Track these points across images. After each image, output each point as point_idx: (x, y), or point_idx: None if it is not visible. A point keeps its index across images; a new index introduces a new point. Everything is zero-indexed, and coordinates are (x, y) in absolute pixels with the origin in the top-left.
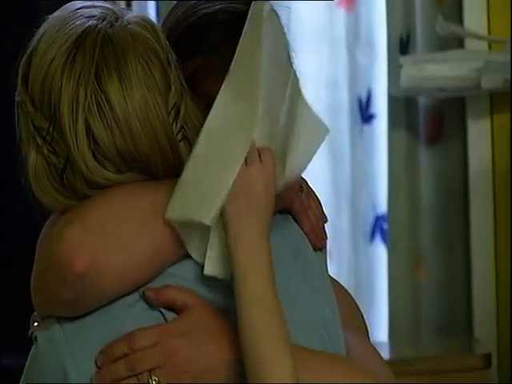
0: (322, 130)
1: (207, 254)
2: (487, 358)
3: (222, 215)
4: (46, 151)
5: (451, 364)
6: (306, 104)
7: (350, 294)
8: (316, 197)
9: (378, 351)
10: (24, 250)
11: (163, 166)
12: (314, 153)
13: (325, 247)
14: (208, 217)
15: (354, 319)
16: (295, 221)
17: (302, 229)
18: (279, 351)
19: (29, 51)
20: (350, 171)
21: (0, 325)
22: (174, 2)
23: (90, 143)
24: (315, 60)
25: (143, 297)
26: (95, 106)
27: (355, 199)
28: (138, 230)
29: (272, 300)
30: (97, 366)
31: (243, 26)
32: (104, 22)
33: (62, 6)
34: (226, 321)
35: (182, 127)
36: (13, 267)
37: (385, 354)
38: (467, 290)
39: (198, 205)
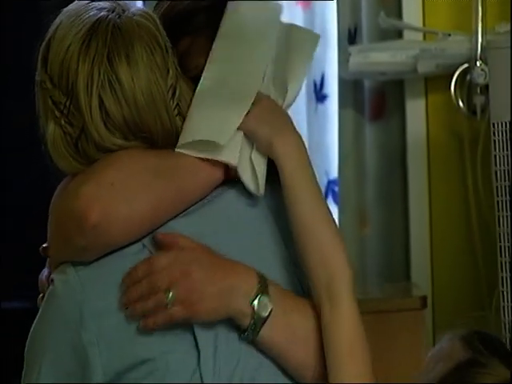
0: (312, 38)
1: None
2: (423, 299)
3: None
4: (63, 122)
5: (392, 305)
6: (292, 25)
7: None
8: None
9: None
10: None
11: (162, 136)
12: (311, 59)
13: None
14: (223, 138)
15: None
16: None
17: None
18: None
19: (47, 38)
20: (306, 143)
21: None
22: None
23: (102, 115)
24: None
25: (147, 246)
26: (107, 84)
27: (313, 164)
28: (142, 187)
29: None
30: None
31: (223, 10)
32: (113, 14)
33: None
34: (225, 259)
35: (177, 104)
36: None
37: None
38: (405, 243)
39: (212, 128)
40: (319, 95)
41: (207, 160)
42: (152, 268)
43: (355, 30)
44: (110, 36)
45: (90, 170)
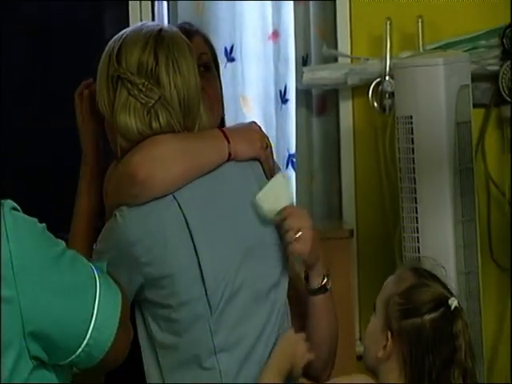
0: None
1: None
2: (351, 231)
3: None
4: (141, 95)
5: (329, 234)
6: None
7: None
8: (271, 148)
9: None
10: None
11: (193, 120)
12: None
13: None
14: None
15: None
16: (260, 164)
17: (263, 168)
18: None
19: (117, 46)
20: (275, 130)
21: None
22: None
23: (173, 92)
24: (260, 72)
25: (176, 198)
26: (178, 72)
27: (278, 145)
28: (174, 160)
29: None
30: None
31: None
32: (165, 29)
33: None
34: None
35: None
36: None
37: None
38: (339, 194)
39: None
40: (283, 99)
41: (218, 145)
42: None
43: (307, 56)
44: (172, 40)
45: (138, 147)
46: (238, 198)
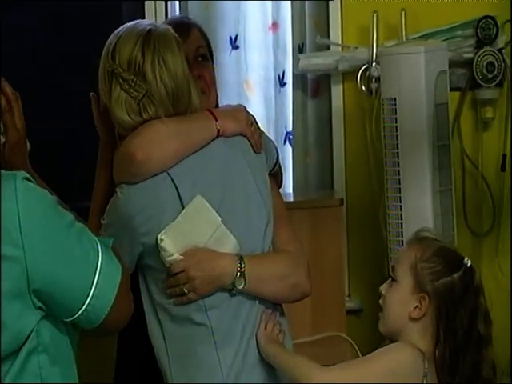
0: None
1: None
2: (341, 200)
3: None
4: (131, 90)
5: (322, 203)
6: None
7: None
8: (258, 126)
9: (294, 232)
10: None
11: (184, 106)
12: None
13: (260, 153)
14: None
15: (283, 210)
16: (248, 141)
17: (250, 143)
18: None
19: (113, 42)
20: (274, 110)
21: None
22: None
23: (159, 85)
24: (261, 59)
25: (170, 174)
26: (163, 66)
27: (277, 123)
28: (168, 141)
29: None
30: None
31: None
32: (156, 26)
33: None
34: (214, 253)
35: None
36: None
37: (290, 198)
38: (331, 168)
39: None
40: (281, 83)
41: (207, 124)
42: (175, 271)
43: (303, 44)
44: (160, 37)
45: (139, 131)
46: (225, 170)
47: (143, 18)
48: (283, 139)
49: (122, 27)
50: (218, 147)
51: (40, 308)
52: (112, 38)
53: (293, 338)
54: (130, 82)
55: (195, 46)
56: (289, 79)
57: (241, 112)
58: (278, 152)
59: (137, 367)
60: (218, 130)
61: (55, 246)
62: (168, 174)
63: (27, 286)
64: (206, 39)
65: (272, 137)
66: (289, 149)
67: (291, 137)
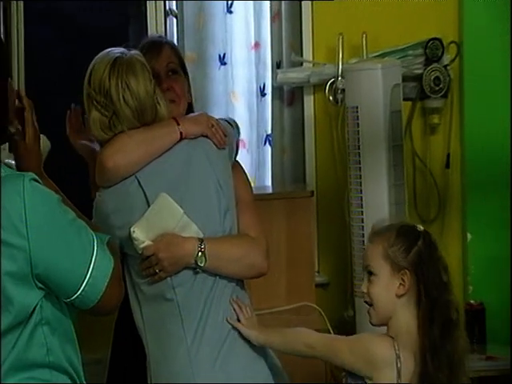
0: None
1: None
2: (312, 192)
3: None
4: (102, 110)
5: (295, 194)
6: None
7: (246, 176)
8: (221, 127)
9: (257, 218)
10: None
11: (151, 118)
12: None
13: (224, 148)
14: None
15: (247, 197)
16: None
17: (213, 142)
18: None
19: (90, 69)
20: (256, 116)
21: None
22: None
23: (123, 105)
24: (245, 73)
25: (137, 177)
26: (126, 89)
27: (258, 127)
28: (134, 150)
29: None
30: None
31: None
32: (124, 53)
33: None
34: (178, 237)
35: (157, 99)
36: None
37: (269, 190)
38: (303, 164)
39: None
40: (262, 93)
41: (170, 130)
42: (146, 254)
43: (280, 61)
44: (124, 63)
45: (109, 143)
46: (185, 168)
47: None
48: (263, 141)
49: (98, 54)
50: (181, 148)
51: (41, 288)
52: (90, 64)
53: (271, 307)
54: (102, 103)
55: (166, 62)
56: (268, 90)
57: (202, 116)
58: (239, 132)
59: (130, 345)
60: (181, 133)
61: (56, 239)
62: (136, 177)
63: (30, 270)
64: (177, 55)
65: (254, 139)
66: (268, 149)
67: (270, 139)
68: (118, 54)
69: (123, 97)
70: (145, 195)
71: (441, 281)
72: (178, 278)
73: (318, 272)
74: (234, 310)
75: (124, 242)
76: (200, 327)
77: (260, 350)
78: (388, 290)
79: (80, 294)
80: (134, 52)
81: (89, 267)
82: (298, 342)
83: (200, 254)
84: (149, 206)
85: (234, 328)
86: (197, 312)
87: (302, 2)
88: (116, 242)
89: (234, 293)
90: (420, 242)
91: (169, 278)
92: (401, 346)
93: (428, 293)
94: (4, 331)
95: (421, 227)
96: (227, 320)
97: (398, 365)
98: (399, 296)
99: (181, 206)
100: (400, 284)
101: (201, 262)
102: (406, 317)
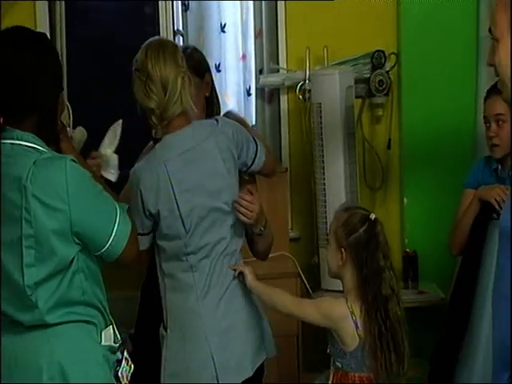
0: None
1: None
2: (286, 168)
3: None
4: (140, 77)
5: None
6: None
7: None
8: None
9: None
10: None
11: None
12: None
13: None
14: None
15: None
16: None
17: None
18: None
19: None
20: (244, 111)
21: None
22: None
23: (153, 81)
24: (235, 78)
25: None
26: (160, 63)
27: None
28: None
29: None
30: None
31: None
32: (160, 39)
33: None
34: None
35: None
36: None
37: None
38: (280, 149)
39: None
40: (248, 93)
41: None
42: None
43: (262, 69)
44: (160, 44)
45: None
46: (203, 164)
47: None
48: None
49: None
50: (208, 145)
51: (78, 244)
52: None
53: (251, 255)
54: (144, 78)
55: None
56: (253, 91)
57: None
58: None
59: (154, 312)
60: None
61: (89, 204)
62: (164, 163)
63: (70, 228)
64: (190, 60)
65: None
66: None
67: (255, 128)
68: (159, 38)
69: (156, 69)
70: (169, 179)
71: (377, 265)
72: (191, 247)
73: (292, 229)
74: (235, 270)
75: (151, 214)
76: (208, 278)
77: (251, 300)
78: (334, 258)
79: (107, 249)
80: (168, 39)
81: (113, 228)
82: (277, 298)
83: (262, 228)
84: (172, 187)
85: (234, 279)
86: (205, 267)
87: (278, 23)
88: (146, 212)
89: (233, 257)
90: (362, 230)
91: (184, 247)
92: (352, 303)
93: (361, 270)
94: (48, 276)
95: (373, 216)
96: (231, 267)
97: (353, 318)
98: (340, 266)
99: (201, 184)
100: (341, 257)
101: (259, 231)
102: (350, 280)
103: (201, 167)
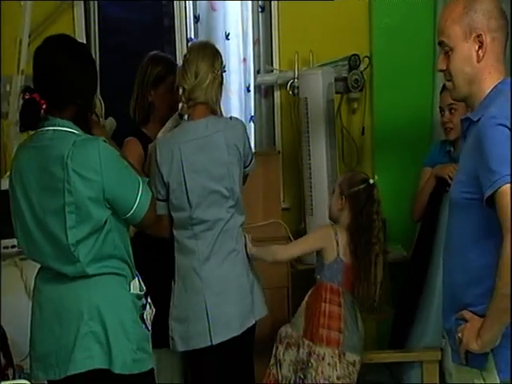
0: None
1: None
2: (279, 151)
3: None
4: (185, 68)
5: (267, 153)
6: None
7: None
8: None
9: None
10: None
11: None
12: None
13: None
14: None
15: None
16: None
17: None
18: None
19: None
20: (244, 105)
21: None
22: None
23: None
24: (237, 78)
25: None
26: (192, 66)
27: (246, 111)
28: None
29: None
30: None
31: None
32: (199, 41)
33: None
34: None
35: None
36: None
37: (252, 150)
38: (274, 134)
39: None
40: (248, 90)
41: None
42: None
43: (259, 70)
44: (194, 48)
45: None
46: (211, 152)
47: None
48: (249, 120)
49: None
50: (217, 137)
51: (109, 208)
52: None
53: (254, 222)
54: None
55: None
56: (252, 88)
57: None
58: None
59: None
60: None
61: (118, 176)
62: (179, 146)
63: (103, 196)
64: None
65: (242, 119)
66: (252, 125)
67: (254, 119)
68: (200, 42)
69: (191, 63)
70: (181, 161)
71: (370, 217)
72: (195, 220)
73: (283, 201)
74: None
75: (166, 187)
76: (209, 246)
77: (247, 270)
78: (335, 203)
79: (132, 213)
80: (207, 43)
81: (137, 196)
82: (276, 248)
83: None
84: (182, 168)
85: (233, 251)
86: (208, 237)
87: (272, 33)
88: (164, 184)
89: (235, 231)
90: (362, 187)
91: (189, 218)
92: (338, 229)
93: (356, 218)
94: (87, 235)
95: (372, 180)
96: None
97: (336, 237)
98: (339, 210)
99: (207, 170)
100: (340, 204)
101: None
102: (345, 222)
103: (208, 154)
